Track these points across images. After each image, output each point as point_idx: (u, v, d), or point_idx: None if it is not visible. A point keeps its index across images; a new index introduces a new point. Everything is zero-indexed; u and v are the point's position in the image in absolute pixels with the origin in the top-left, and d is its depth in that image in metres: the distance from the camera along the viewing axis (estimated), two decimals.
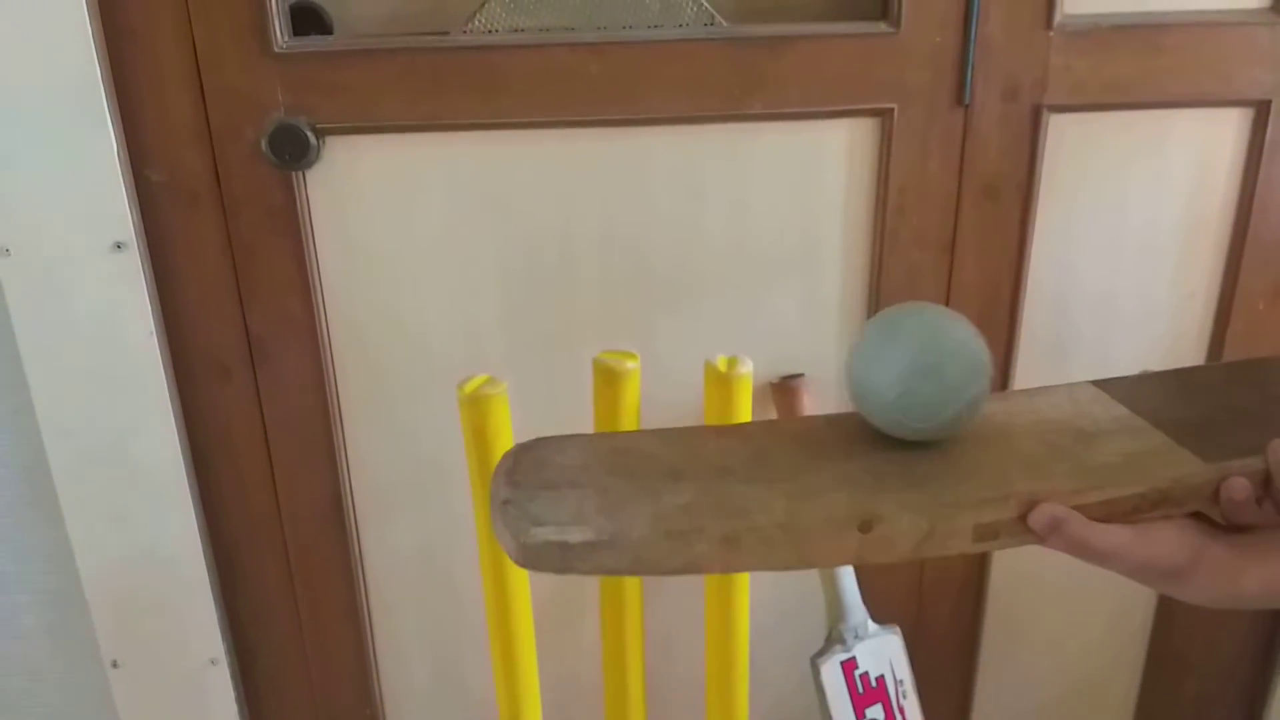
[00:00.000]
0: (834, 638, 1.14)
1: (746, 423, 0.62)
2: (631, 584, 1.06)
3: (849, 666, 1.13)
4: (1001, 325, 1.15)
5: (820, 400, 1.15)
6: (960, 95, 1.04)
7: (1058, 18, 1.02)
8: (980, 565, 1.28)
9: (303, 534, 1.20)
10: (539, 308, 1.12)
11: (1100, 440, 0.59)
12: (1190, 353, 1.20)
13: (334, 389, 1.13)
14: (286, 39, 0.98)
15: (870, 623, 1.15)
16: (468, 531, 1.05)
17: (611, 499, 0.56)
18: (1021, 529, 0.55)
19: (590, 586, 1.09)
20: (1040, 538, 0.55)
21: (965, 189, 1.08)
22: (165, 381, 1.08)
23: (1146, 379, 0.66)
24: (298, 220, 1.05)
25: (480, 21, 0.99)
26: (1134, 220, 1.13)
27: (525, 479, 0.58)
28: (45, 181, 0.99)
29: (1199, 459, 0.57)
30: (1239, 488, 0.55)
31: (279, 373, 1.11)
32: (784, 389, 1.14)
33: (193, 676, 1.21)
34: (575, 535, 0.54)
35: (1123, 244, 1.14)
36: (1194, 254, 1.15)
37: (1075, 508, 0.54)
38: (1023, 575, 1.29)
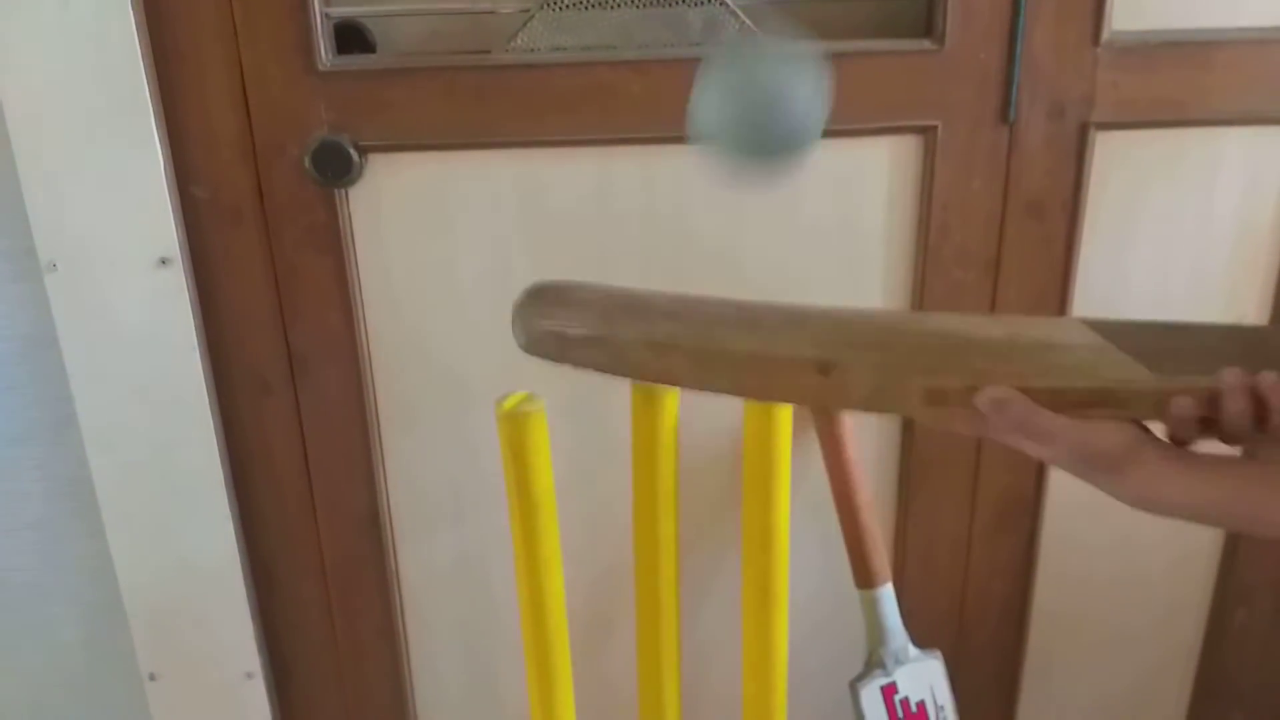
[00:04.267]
0: (874, 661, 1.12)
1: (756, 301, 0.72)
2: (668, 599, 1.05)
3: (889, 691, 1.11)
4: None
5: (861, 422, 1.14)
6: (1005, 113, 1.03)
7: (1105, 34, 1.01)
8: (1023, 590, 1.26)
9: (340, 549, 1.20)
10: None
11: (1063, 351, 0.64)
12: None
13: (373, 405, 1.13)
14: (331, 58, 0.99)
15: (911, 647, 1.13)
16: (504, 548, 1.04)
17: (612, 316, 0.68)
18: (968, 402, 0.59)
19: (626, 601, 1.08)
20: (984, 416, 0.59)
21: (1009, 208, 1.07)
22: (207, 396, 1.08)
23: (1136, 324, 0.70)
24: (339, 237, 1.05)
25: (522, 40, 0.99)
26: (1183, 240, 1.11)
27: (546, 295, 0.71)
28: (93, 197, 1.00)
29: (1151, 373, 0.60)
30: (1184, 404, 0.58)
31: (319, 388, 1.12)
32: (825, 412, 1.13)
33: (229, 690, 1.22)
34: (573, 329, 0.67)
35: (1171, 264, 1.11)
36: (1244, 274, 1.13)
37: (1021, 392, 0.58)
38: (1066, 600, 1.27)
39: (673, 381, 0.66)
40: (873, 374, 0.61)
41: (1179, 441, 0.59)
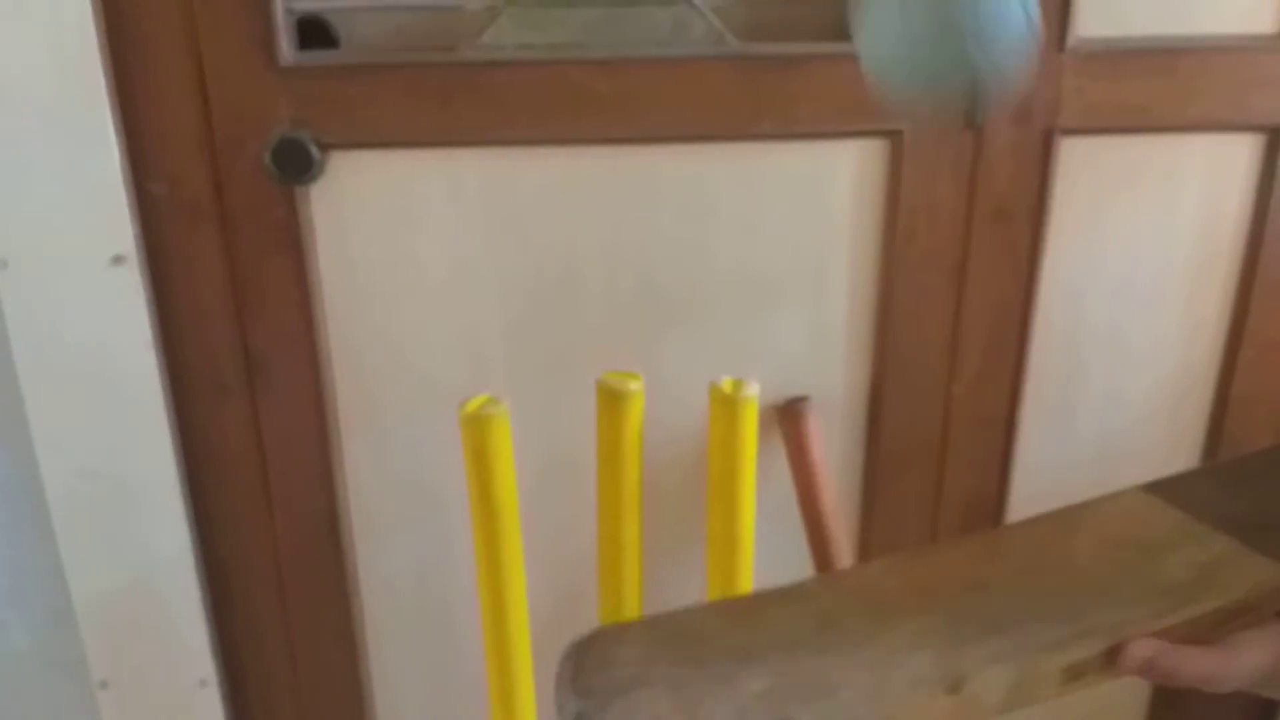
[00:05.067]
0: None
1: (803, 582, 0.61)
2: (632, 601, 1.05)
3: None
4: (1011, 349, 1.14)
5: (826, 424, 1.14)
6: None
7: (1071, 40, 1.01)
8: None
9: (297, 554, 1.18)
10: (542, 328, 1.10)
11: (1166, 553, 0.58)
12: (1200, 380, 1.18)
13: (333, 407, 1.12)
14: (292, 52, 0.97)
15: None
16: (465, 554, 1.03)
17: (686, 695, 0.52)
18: (1108, 665, 0.53)
19: (590, 611, 1.07)
20: (1133, 675, 0.53)
21: (976, 212, 1.07)
22: (162, 397, 1.06)
23: (1193, 476, 0.64)
24: (299, 236, 1.03)
25: (489, 37, 0.98)
26: (1145, 244, 1.12)
27: (591, 683, 0.54)
28: (45, 193, 0.98)
29: (1270, 560, 0.56)
30: None
31: (277, 390, 1.10)
32: (789, 413, 1.13)
33: (182, 698, 1.19)
34: None
35: (1134, 268, 1.12)
36: (1205, 280, 1.14)
37: (1158, 633, 0.53)
38: None
39: None
40: (1006, 673, 0.52)
41: None
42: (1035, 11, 0.52)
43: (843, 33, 1.07)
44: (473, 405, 0.96)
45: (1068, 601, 0.56)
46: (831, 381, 1.14)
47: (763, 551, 1.05)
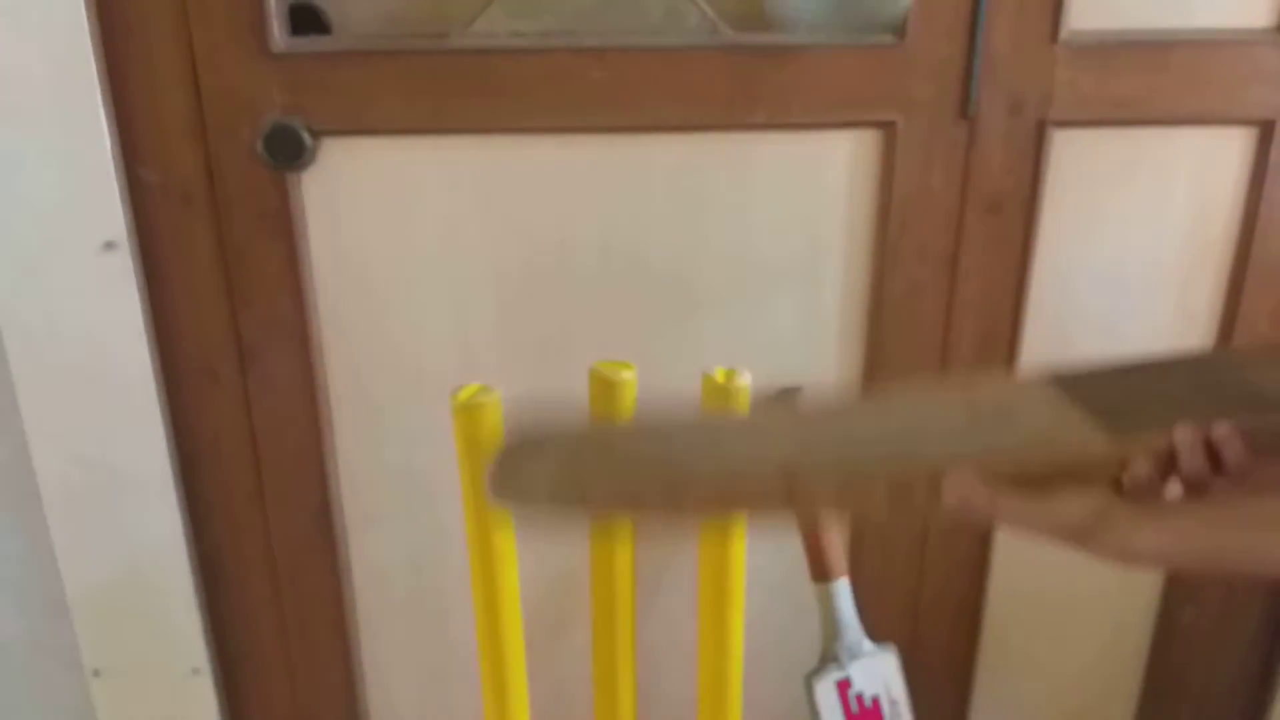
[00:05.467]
0: (829, 656, 1.12)
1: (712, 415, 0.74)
2: (624, 593, 1.05)
3: (844, 686, 1.11)
4: (1003, 340, 1.14)
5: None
6: (964, 108, 1.03)
7: (1064, 33, 1.01)
8: (977, 586, 1.27)
9: (289, 542, 1.18)
10: (535, 316, 1.10)
11: (1021, 418, 0.64)
12: None
13: (325, 394, 1.11)
14: (284, 38, 0.97)
15: (866, 641, 1.13)
16: (458, 541, 1.03)
17: (577, 467, 0.66)
18: (932, 492, 0.60)
19: (582, 600, 1.07)
20: (953, 508, 0.59)
21: (968, 203, 1.08)
22: (153, 384, 1.06)
23: (1096, 369, 0.69)
24: (291, 222, 1.03)
25: (481, 24, 0.98)
26: (1137, 237, 1.12)
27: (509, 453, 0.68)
28: (36, 178, 0.97)
29: (1107, 435, 0.60)
30: (1140, 469, 0.59)
31: (269, 377, 1.10)
32: (782, 402, 1.13)
33: (175, 686, 1.19)
34: (544, 496, 0.64)
35: (1126, 260, 1.13)
36: (1197, 273, 1.14)
37: (984, 476, 0.59)
38: (1020, 597, 1.28)
39: (645, 511, 0.66)
40: (835, 476, 0.62)
41: (1145, 496, 0.60)
42: None
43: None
44: (465, 394, 0.96)
45: (916, 438, 0.64)
46: (824, 371, 1.15)
47: (754, 538, 1.05)
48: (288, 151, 1.00)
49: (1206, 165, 1.10)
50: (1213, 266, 1.14)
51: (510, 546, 1.00)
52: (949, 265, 1.10)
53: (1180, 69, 1.04)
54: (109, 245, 1.00)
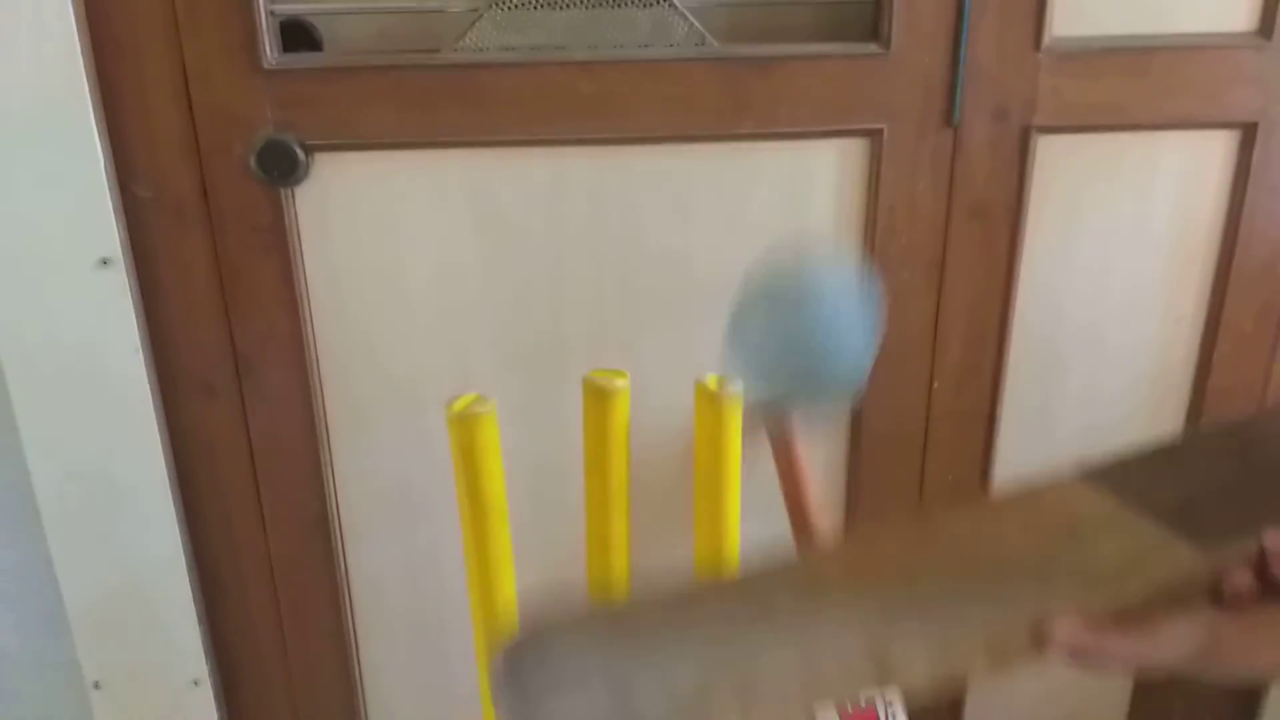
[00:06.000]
0: None
1: (743, 571, 0.63)
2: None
3: None
4: (990, 344, 1.15)
5: (809, 421, 1.15)
6: (949, 116, 1.05)
7: (1046, 40, 1.02)
8: None
9: (288, 553, 1.18)
10: (528, 326, 1.11)
11: (1093, 538, 0.59)
12: (1178, 374, 1.20)
13: (321, 407, 1.12)
14: (276, 55, 0.98)
15: None
16: (454, 552, 1.04)
17: (622, 682, 0.54)
18: (1034, 648, 0.54)
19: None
20: (1057, 653, 0.55)
21: (954, 209, 1.09)
22: (150, 399, 1.07)
23: (1128, 460, 0.65)
24: (285, 237, 1.04)
25: (471, 39, 0.99)
26: (1122, 241, 1.13)
27: (526, 669, 0.56)
28: (31, 196, 0.98)
29: (1192, 547, 0.57)
30: (1243, 582, 0.56)
31: (265, 390, 1.10)
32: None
33: (175, 697, 1.20)
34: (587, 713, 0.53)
35: (1111, 264, 1.14)
36: (1181, 275, 1.15)
37: (1081, 617, 0.55)
38: None
39: None
40: (930, 653, 0.54)
41: (1244, 606, 0.57)
42: (875, 328, 0.60)
43: (820, 34, 1.08)
44: (460, 404, 0.96)
45: (994, 584, 0.57)
46: None
47: (749, 545, 1.06)
48: (281, 167, 1.00)
49: (1190, 168, 1.11)
50: (1197, 268, 1.15)
51: (507, 556, 1.01)
52: (936, 271, 1.11)
53: (1162, 74, 1.05)
54: (104, 262, 1.01)
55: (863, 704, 1.15)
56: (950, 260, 1.11)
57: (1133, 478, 0.64)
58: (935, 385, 1.16)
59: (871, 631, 0.55)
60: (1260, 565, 0.57)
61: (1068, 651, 0.54)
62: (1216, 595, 0.57)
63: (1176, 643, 0.55)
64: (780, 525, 1.14)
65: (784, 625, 0.56)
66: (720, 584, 0.63)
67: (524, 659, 0.57)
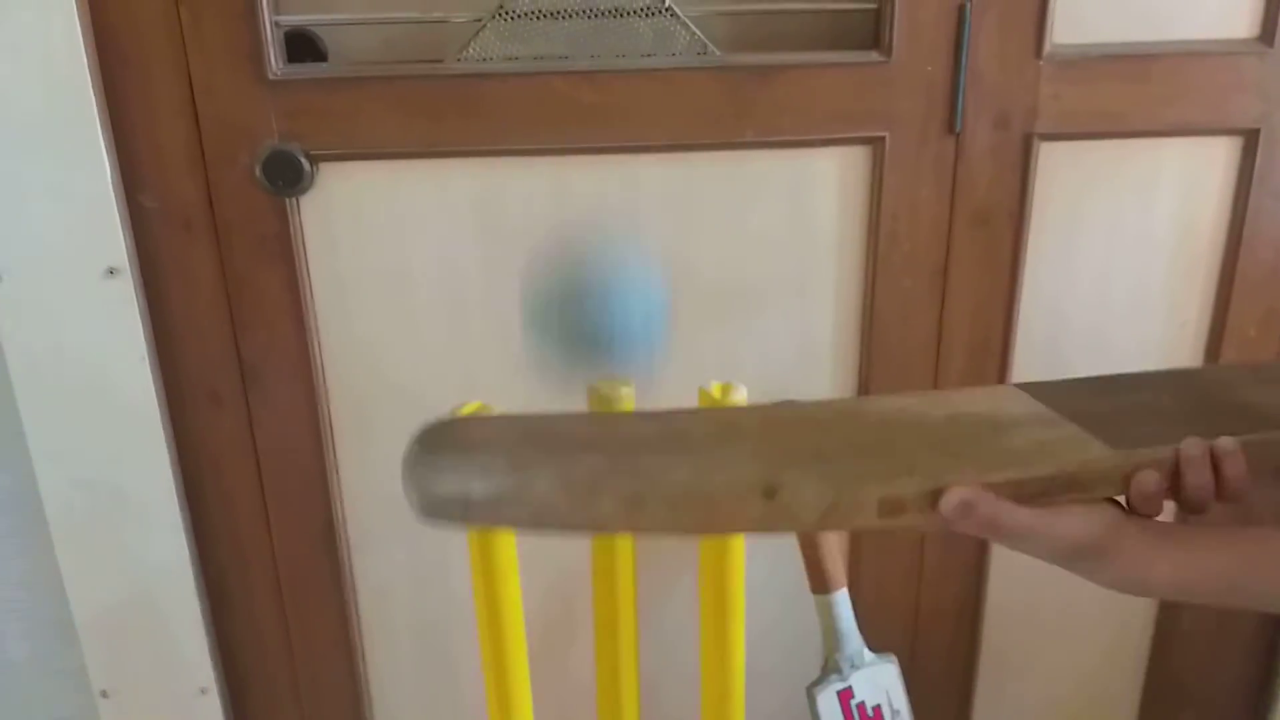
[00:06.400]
0: (830, 667, 1.13)
1: (675, 410, 0.65)
2: (626, 605, 1.06)
3: (845, 696, 1.12)
4: (995, 352, 1.15)
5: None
6: (951, 124, 1.05)
7: (1047, 47, 1.03)
8: (976, 594, 1.27)
9: (294, 561, 1.19)
10: None
11: (1013, 430, 0.60)
12: None
13: (326, 415, 1.13)
14: (281, 66, 0.99)
15: (867, 651, 1.14)
16: (460, 560, 1.04)
17: (521, 459, 0.57)
18: (929, 507, 0.55)
19: (584, 617, 1.08)
20: (949, 521, 0.55)
21: (957, 216, 1.09)
22: (157, 408, 1.07)
23: (1068, 382, 0.67)
24: (291, 246, 1.05)
25: (475, 49, 0.99)
26: (1125, 247, 1.13)
27: (438, 443, 0.59)
28: (39, 207, 0.99)
29: (1108, 447, 0.57)
30: (1149, 480, 0.55)
31: (271, 399, 1.11)
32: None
33: (183, 706, 1.20)
34: (477, 488, 0.56)
35: (1114, 271, 1.14)
36: (1185, 281, 1.15)
37: (983, 486, 0.55)
38: (1018, 604, 1.29)
39: (603, 529, 0.58)
40: (822, 490, 0.55)
41: (1142, 514, 0.57)
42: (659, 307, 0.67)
43: (822, 43, 1.08)
44: (465, 412, 0.97)
45: (904, 449, 0.58)
46: (819, 384, 1.16)
47: (754, 556, 1.06)
48: (286, 177, 1.01)
49: (1192, 174, 1.11)
50: (1201, 274, 1.15)
51: (511, 560, 1.01)
52: (939, 277, 1.11)
53: (1163, 80, 1.06)
54: (111, 272, 1.02)
55: (869, 711, 1.15)
56: (953, 267, 1.11)
57: (1067, 393, 0.65)
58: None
59: (768, 464, 0.56)
60: (1174, 478, 0.56)
61: (959, 512, 0.54)
62: (1126, 504, 0.57)
63: (1075, 527, 0.55)
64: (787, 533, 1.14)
65: (688, 450, 0.58)
66: (639, 413, 0.65)
67: (438, 439, 0.60)
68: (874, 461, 0.57)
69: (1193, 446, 0.56)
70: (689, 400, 1.02)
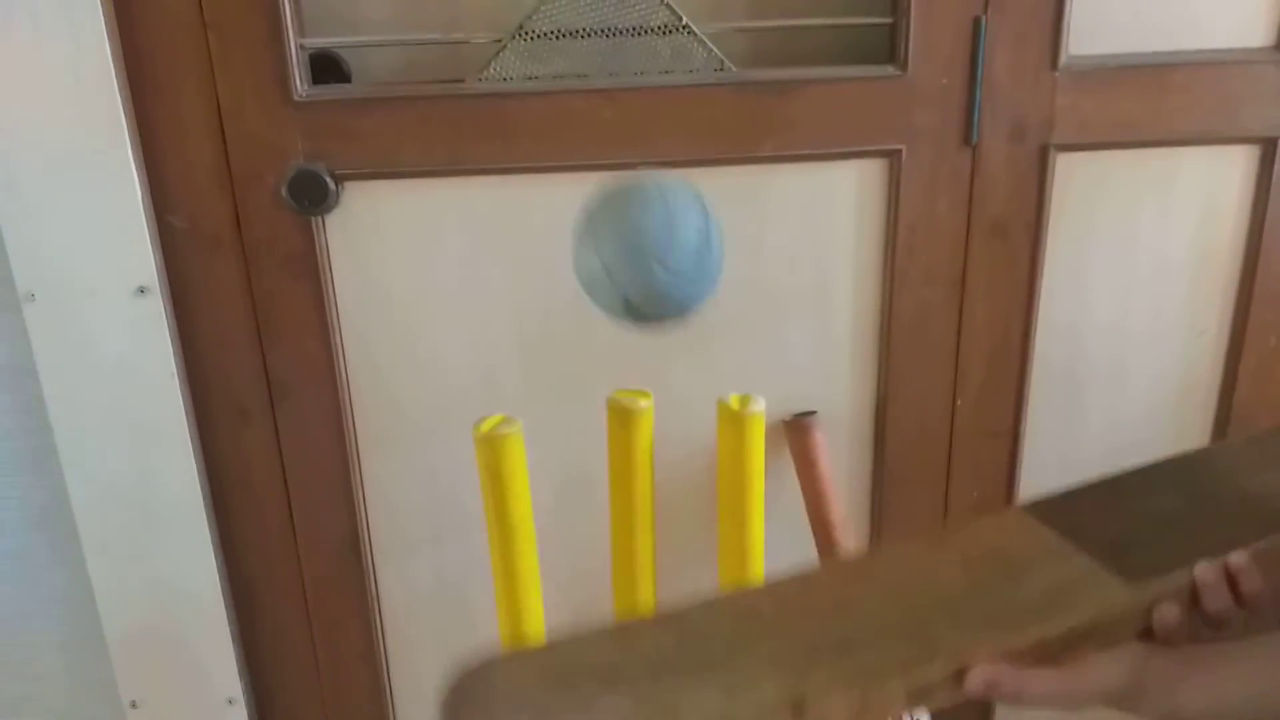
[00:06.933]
0: None
1: (682, 605, 0.64)
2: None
3: None
4: (1013, 362, 1.15)
5: (833, 438, 1.16)
6: (968, 135, 1.06)
7: (1063, 59, 1.03)
8: None
9: (320, 573, 1.20)
10: (554, 348, 1.13)
11: (1026, 574, 0.60)
12: (1203, 389, 1.20)
13: (352, 429, 1.14)
14: (306, 87, 1.00)
15: None
16: (484, 569, 1.05)
17: (542, 713, 0.57)
18: (955, 687, 0.55)
19: (606, 618, 1.09)
20: (977, 697, 0.55)
21: (974, 228, 1.09)
22: (186, 423, 1.09)
23: (1074, 494, 0.66)
24: (317, 264, 1.06)
25: (495, 69, 1.01)
26: (1144, 257, 1.13)
27: (465, 697, 0.60)
28: (71, 227, 1.01)
29: (1123, 583, 0.57)
30: (1170, 614, 0.56)
31: (298, 414, 1.12)
32: (796, 427, 1.14)
33: (211, 716, 1.22)
34: None
35: (1133, 281, 1.14)
36: (1204, 291, 1.15)
37: (1005, 654, 0.55)
38: None
39: None
40: (849, 695, 0.54)
41: (1176, 642, 0.57)
42: (713, 227, 0.66)
43: (839, 58, 1.09)
44: (487, 425, 0.98)
45: (921, 621, 0.58)
46: (837, 396, 1.16)
47: (774, 564, 1.07)
48: (312, 196, 1.03)
49: (1210, 184, 1.11)
50: (1220, 283, 1.15)
51: (534, 571, 1.02)
52: (957, 288, 1.12)
53: (1180, 90, 1.06)
54: (141, 290, 1.04)
55: None
56: (971, 278, 1.11)
57: (1074, 512, 0.64)
58: (958, 402, 1.16)
59: (791, 673, 0.55)
60: (1193, 600, 0.57)
61: (986, 691, 0.54)
62: (1147, 632, 0.57)
63: (1102, 678, 0.55)
64: (805, 541, 1.14)
65: (710, 665, 0.57)
66: (658, 619, 0.64)
67: (465, 693, 0.60)
68: (896, 648, 0.56)
69: (1208, 573, 0.56)
70: (708, 410, 1.03)
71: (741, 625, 0.60)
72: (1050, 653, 0.55)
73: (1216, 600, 0.56)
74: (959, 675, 0.55)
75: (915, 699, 0.55)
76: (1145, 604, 0.56)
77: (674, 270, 0.64)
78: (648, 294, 0.65)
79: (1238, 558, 0.57)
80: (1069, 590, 0.58)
